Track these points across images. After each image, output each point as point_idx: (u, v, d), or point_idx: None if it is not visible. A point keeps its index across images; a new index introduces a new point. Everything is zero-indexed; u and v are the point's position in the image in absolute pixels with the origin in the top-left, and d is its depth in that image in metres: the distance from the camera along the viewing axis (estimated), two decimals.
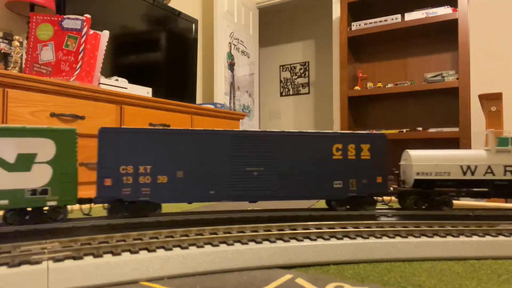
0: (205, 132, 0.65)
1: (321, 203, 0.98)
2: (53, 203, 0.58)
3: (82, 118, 1.67)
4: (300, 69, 4.89)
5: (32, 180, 0.56)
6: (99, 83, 1.86)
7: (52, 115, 1.56)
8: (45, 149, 0.57)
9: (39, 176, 0.57)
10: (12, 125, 0.58)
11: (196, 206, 1.11)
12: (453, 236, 0.62)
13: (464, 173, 0.72)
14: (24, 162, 0.56)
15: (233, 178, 0.66)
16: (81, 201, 0.62)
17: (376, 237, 0.60)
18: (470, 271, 0.54)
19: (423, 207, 0.75)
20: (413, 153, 0.74)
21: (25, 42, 1.86)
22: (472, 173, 0.72)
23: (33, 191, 0.56)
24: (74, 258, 0.47)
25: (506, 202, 0.82)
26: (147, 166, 0.62)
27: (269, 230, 0.60)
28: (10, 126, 0.56)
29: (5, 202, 0.55)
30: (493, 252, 0.60)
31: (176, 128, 0.66)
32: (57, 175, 0.58)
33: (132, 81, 2.13)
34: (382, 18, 3.07)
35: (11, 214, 0.58)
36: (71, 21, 1.74)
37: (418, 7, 3.01)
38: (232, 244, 0.55)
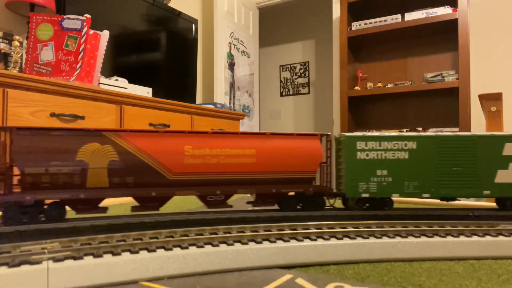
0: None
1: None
2: None
3: (82, 118, 1.67)
4: (300, 69, 4.89)
5: None
6: (99, 83, 1.86)
7: (52, 115, 1.56)
8: None
9: None
10: None
11: (196, 206, 1.11)
12: (453, 236, 0.62)
13: None
14: None
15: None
16: None
17: (376, 237, 0.60)
18: (470, 271, 0.54)
19: None
20: None
21: (25, 42, 1.86)
22: None
23: None
24: (74, 258, 0.47)
25: None
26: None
27: (269, 230, 0.60)
28: None
29: None
30: (493, 252, 0.60)
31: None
32: None
33: (132, 81, 2.13)
34: (382, 18, 3.07)
35: None
36: (71, 21, 1.74)
37: (418, 7, 3.01)
38: (232, 244, 0.55)
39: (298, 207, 0.72)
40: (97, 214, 0.61)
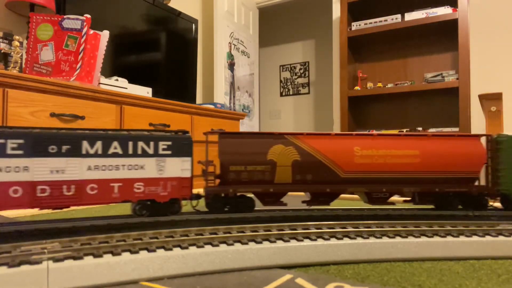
0: None
1: None
2: None
3: (82, 118, 1.67)
4: (300, 69, 4.89)
5: None
6: (99, 83, 1.86)
7: (52, 115, 1.56)
8: None
9: None
10: None
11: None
12: (453, 236, 0.62)
13: None
14: None
15: None
16: None
17: (376, 237, 0.60)
18: (470, 271, 0.54)
19: None
20: None
21: (25, 42, 1.86)
22: None
23: None
24: (74, 258, 0.47)
25: None
26: None
27: (269, 230, 0.60)
28: None
29: None
30: (493, 252, 0.60)
31: None
32: None
33: (132, 81, 2.13)
34: (382, 18, 3.07)
35: None
36: (71, 21, 1.74)
37: (418, 7, 3.01)
38: (232, 244, 0.55)
39: (460, 206, 0.75)
40: (279, 207, 0.72)
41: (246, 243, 0.56)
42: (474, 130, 2.84)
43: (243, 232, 0.59)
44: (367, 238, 0.60)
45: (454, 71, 2.97)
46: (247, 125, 3.68)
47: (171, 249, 0.52)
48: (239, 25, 3.68)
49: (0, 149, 0.52)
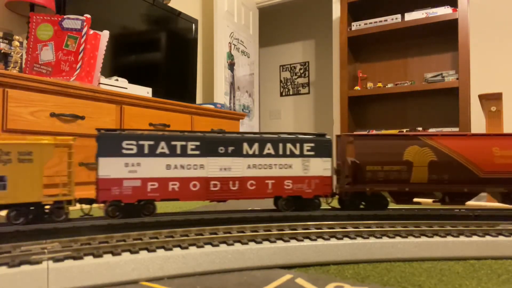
0: None
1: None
2: None
3: (82, 118, 1.67)
4: (300, 69, 4.89)
5: None
6: (99, 83, 1.86)
7: (52, 115, 1.56)
8: None
9: None
10: None
11: (196, 206, 1.11)
12: (453, 236, 0.62)
13: None
14: None
15: None
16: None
17: (376, 237, 0.60)
18: (470, 271, 0.54)
19: None
20: None
21: (25, 42, 1.86)
22: None
23: None
24: (74, 258, 0.47)
25: None
26: None
27: (269, 230, 0.60)
28: None
29: None
30: (493, 252, 0.60)
31: None
32: None
33: (132, 81, 2.13)
34: (382, 18, 3.07)
35: None
36: (71, 21, 1.74)
37: (418, 7, 3.01)
38: (232, 244, 0.55)
39: None
40: (412, 206, 0.76)
41: (246, 243, 0.56)
42: (474, 130, 2.84)
43: (243, 232, 0.59)
44: (367, 238, 0.60)
45: (454, 71, 2.97)
46: (247, 125, 3.68)
47: (171, 249, 0.52)
48: (239, 25, 3.68)
49: (182, 150, 0.63)
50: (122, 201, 0.62)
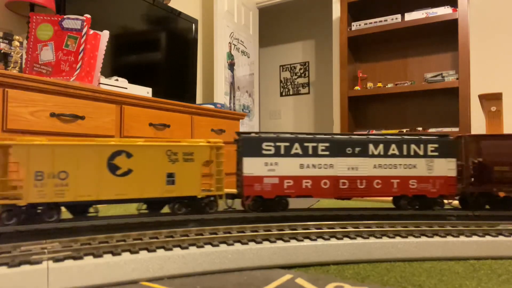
0: None
1: (320, 203, 0.98)
2: None
3: (82, 118, 1.67)
4: (300, 69, 4.89)
5: None
6: (99, 83, 1.86)
7: (52, 115, 1.56)
8: None
9: None
10: None
11: None
12: (453, 236, 0.62)
13: None
14: None
15: None
16: None
17: (376, 237, 0.60)
18: (470, 271, 0.54)
19: None
20: None
21: (25, 42, 1.86)
22: None
23: None
24: (74, 258, 0.47)
25: None
26: None
27: (269, 230, 0.60)
28: None
29: None
30: (493, 252, 0.60)
31: None
32: None
33: (132, 81, 2.13)
34: (382, 18, 3.07)
35: None
36: (71, 21, 1.74)
37: (418, 7, 3.01)
38: (232, 244, 0.55)
39: None
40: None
41: (246, 243, 0.56)
42: (474, 130, 2.84)
43: (243, 232, 0.59)
44: (367, 238, 0.60)
45: (454, 71, 2.97)
46: (247, 125, 3.68)
47: (171, 249, 0.52)
48: (239, 25, 3.68)
49: (314, 151, 0.68)
50: (263, 197, 0.67)
